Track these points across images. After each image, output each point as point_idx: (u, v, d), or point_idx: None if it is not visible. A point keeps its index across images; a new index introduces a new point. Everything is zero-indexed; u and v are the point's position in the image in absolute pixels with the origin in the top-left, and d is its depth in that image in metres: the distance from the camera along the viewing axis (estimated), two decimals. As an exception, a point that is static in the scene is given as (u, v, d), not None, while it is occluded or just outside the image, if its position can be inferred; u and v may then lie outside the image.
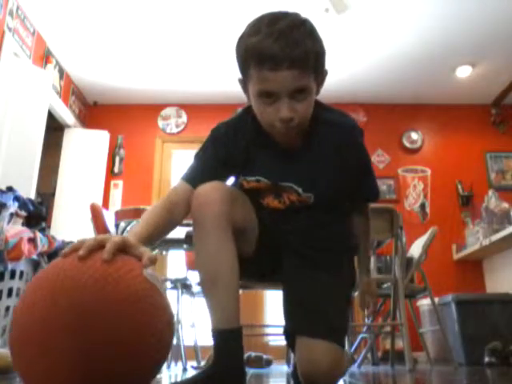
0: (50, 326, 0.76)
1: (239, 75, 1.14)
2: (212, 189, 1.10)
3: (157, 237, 1.09)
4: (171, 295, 3.32)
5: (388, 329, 3.22)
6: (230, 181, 1.28)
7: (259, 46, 1.03)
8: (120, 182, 4.64)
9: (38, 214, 2.52)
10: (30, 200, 2.54)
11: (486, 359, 2.92)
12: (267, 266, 1.30)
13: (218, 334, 1.04)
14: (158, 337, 0.82)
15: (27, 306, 0.81)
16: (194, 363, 2.94)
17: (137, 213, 2.46)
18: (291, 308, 1.23)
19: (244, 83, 1.14)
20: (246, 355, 2.73)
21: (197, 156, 1.26)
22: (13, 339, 0.81)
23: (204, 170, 1.21)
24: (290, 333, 1.22)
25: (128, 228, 2.49)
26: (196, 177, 1.19)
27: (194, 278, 3.11)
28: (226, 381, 1.00)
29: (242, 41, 1.09)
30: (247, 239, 1.19)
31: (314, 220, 1.24)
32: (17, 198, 2.40)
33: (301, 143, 1.19)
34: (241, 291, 2.76)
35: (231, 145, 1.21)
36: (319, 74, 1.11)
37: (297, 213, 1.23)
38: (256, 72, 1.06)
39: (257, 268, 1.29)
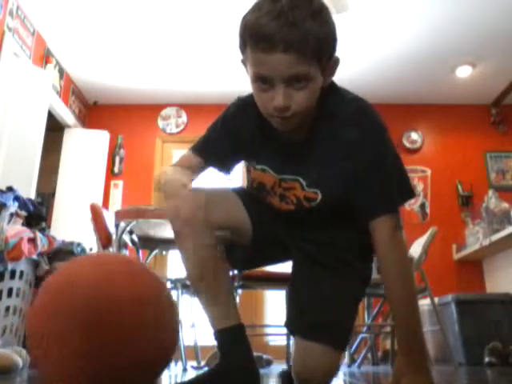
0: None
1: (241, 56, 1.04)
2: (185, 195, 1.08)
3: None
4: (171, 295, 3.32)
5: (388, 329, 3.22)
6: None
7: (256, 24, 0.93)
8: (120, 182, 4.63)
9: (38, 214, 2.52)
10: (29, 200, 2.54)
11: (486, 359, 2.92)
12: (274, 255, 1.30)
13: (216, 335, 1.04)
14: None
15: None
16: (194, 363, 2.94)
17: (137, 213, 2.46)
18: (292, 306, 1.21)
19: (245, 64, 1.03)
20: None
21: (208, 131, 1.22)
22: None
23: (213, 145, 1.18)
24: (288, 329, 1.22)
25: (128, 228, 2.48)
26: (205, 149, 1.18)
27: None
28: (227, 380, 0.99)
29: (244, 17, 0.98)
30: (237, 234, 1.18)
31: (323, 220, 1.15)
32: (17, 198, 2.40)
33: (306, 135, 1.07)
34: (240, 291, 2.75)
35: (238, 127, 1.15)
36: (324, 61, 0.97)
37: (307, 213, 1.14)
38: (251, 53, 0.95)
39: (264, 259, 1.30)
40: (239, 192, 1.23)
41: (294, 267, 1.25)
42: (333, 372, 1.11)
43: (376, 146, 1.04)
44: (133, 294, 0.85)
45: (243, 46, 0.99)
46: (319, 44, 0.93)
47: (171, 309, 0.96)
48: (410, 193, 1.09)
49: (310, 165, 1.09)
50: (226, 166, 1.21)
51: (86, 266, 0.92)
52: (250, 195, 1.23)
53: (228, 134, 1.17)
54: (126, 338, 0.81)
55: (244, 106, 1.15)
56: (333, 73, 1.03)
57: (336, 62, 1.01)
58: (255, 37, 0.93)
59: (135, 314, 0.83)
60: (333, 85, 1.08)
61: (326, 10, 0.96)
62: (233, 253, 1.18)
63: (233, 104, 1.19)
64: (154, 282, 0.95)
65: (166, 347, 0.91)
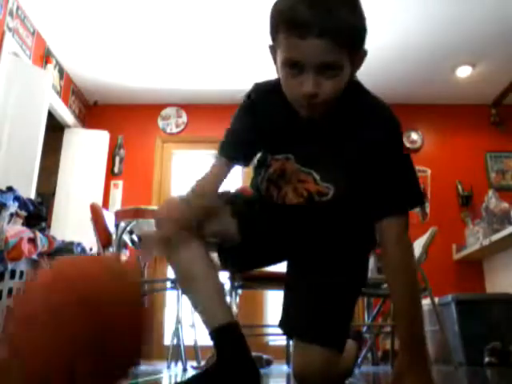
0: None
1: (270, 41, 1.05)
2: (169, 205, 1.11)
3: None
4: (171, 295, 3.33)
5: (388, 329, 3.22)
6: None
7: (290, 11, 0.94)
8: (120, 182, 4.63)
9: (37, 214, 2.52)
10: (29, 200, 2.54)
11: (486, 359, 2.92)
12: (269, 256, 1.29)
13: (211, 334, 1.04)
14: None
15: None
16: (194, 363, 2.94)
17: (137, 213, 2.46)
18: (287, 307, 1.21)
19: (274, 50, 1.04)
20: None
21: (232, 124, 1.21)
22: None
23: (236, 143, 1.18)
24: (282, 329, 1.21)
25: (128, 228, 2.48)
26: (229, 150, 1.17)
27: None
28: (227, 379, 0.99)
29: (276, 3, 1.00)
30: (225, 240, 1.19)
31: (327, 218, 1.16)
32: (17, 198, 2.40)
33: (328, 127, 1.08)
34: (240, 291, 2.75)
35: (265, 113, 1.14)
36: (355, 51, 0.98)
37: (313, 210, 1.14)
38: (284, 38, 0.97)
39: (259, 260, 1.30)
40: (228, 195, 1.23)
41: (290, 267, 1.25)
42: (332, 373, 1.11)
43: (396, 148, 1.07)
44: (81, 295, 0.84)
45: (275, 32, 1.00)
46: (353, 33, 0.95)
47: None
48: (421, 197, 1.10)
49: (328, 158, 1.10)
50: (248, 158, 1.21)
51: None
52: (244, 196, 1.24)
53: (253, 121, 1.16)
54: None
55: (267, 92, 1.15)
56: (360, 65, 1.03)
57: (364, 54, 1.02)
58: (290, 23, 0.94)
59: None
60: (355, 80, 1.08)
61: (359, 2, 0.98)
62: (226, 254, 1.19)
63: (253, 91, 1.18)
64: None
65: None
